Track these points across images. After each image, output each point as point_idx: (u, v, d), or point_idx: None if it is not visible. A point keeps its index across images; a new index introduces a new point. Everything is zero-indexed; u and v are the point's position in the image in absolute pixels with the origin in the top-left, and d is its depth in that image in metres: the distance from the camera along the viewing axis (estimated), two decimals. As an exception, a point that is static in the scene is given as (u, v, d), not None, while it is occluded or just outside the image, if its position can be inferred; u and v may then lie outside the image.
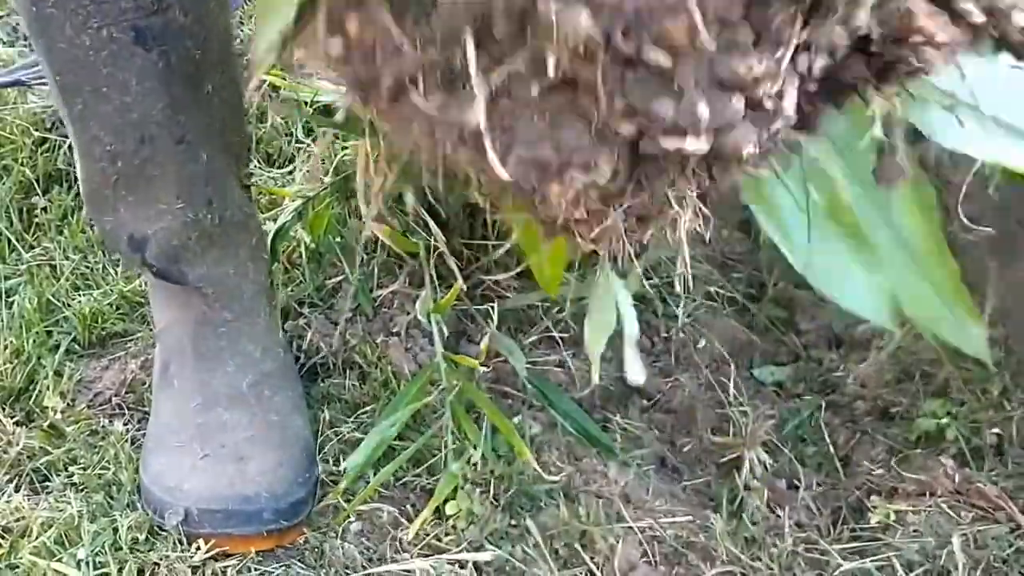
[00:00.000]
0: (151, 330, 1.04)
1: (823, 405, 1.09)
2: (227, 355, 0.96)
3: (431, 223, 1.04)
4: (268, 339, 0.99)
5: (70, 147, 1.28)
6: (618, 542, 0.90)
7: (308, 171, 1.19)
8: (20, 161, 1.29)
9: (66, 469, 0.96)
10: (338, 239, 1.15)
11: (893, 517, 0.93)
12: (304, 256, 1.16)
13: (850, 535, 0.94)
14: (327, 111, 1.28)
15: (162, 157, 0.88)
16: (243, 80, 0.95)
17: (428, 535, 0.91)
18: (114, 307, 1.13)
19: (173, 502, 0.89)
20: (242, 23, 1.43)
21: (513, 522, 0.92)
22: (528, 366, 1.05)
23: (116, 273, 1.17)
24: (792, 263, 0.62)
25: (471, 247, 1.13)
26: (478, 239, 1.14)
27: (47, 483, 0.95)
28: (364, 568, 0.89)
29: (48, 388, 1.03)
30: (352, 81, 0.51)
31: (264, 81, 1.31)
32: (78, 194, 1.26)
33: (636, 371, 0.59)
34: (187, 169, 0.90)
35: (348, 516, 0.93)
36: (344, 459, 0.95)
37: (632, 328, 0.62)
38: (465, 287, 1.09)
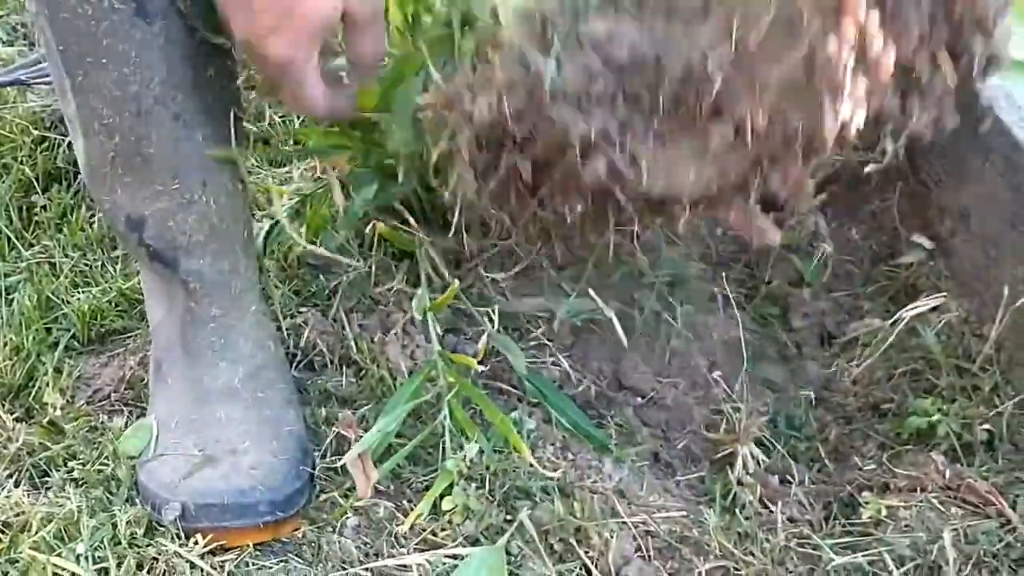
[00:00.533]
0: (149, 327, 1.04)
1: (815, 401, 1.11)
2: (218, 351, 0.97)
3: (413, 222, 1.05)
4: (258, 334, 1.00)
5: (69, 145, 1.29)
6: (612, 537, 0.91)
7: (305, 169, 1.19)
8: (20, 160, 1.29)
9: (65, 465, 0.96)
10: (335, 236, 1.16)
11: (885, 512, 0.94)
12: (301, 253, 1.16)
13: (842, 530, 0.95)
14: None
15: (158, 134, 0.89)
16: (238, 75, 0.96)
17: (425, 530, 0.92)
18: (113, 304, 1.14)
19: (170, 497, 0.90)
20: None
21: (509, 517, 0.93)
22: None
23: (115, 270, 1.17)
24: None
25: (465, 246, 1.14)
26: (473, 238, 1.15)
27: (46, 479, 0.96)
28: (361, 563, 0.90)
29: (48, 385, 1.04)
30: None
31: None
32: (77, 192, 1.27)
33: None
34: (182, 148, 0.91)
35: (345, 512, 0.93)
36: (341, 455, 0.96)
37: None
38: (461, 285, 1.10)
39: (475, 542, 0.91)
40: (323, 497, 0.95)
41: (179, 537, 0.89)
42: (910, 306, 1.07)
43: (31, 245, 1.22)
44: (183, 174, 0.92)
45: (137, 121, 0.88)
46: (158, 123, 0.89)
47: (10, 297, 1.15)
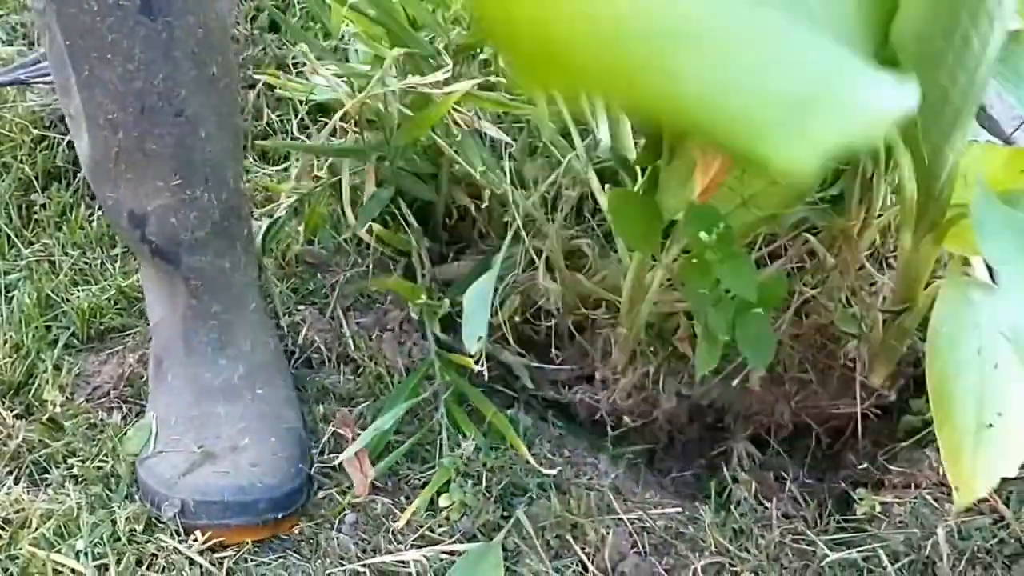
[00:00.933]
0: (148, 325, 1.05)
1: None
2: (218, 348, 0.98)
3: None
4: (258, 331, 1.00)
5: (69, 144, 1.29)
6: (608, 533, 0.91)
7: (303, 168, 1.19)
8: (19, 158, 1.30)
9: (65, 461, 0.97)
10: (333, 235, 1.16)
11: (879, 508, 0.94)
12: (299, 252, 1.17)
13: (836, 526, 0.95)
14: (322, 109, 1.30)
15: (161, 129, 0.90)
16: (238, 75, 0.97)
17: (422, 527, 0.92)
18: (112, 302, 1.14)
19: (169, 494, 0.90)
20: (238, 23, 1.44)
21: (505, 514, 0.93)
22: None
23: (114, 268, 1.18)
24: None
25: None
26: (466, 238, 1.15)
27: (46, 475, 0.96)
28: (359, 559, 0.90)
29: (47, 382, 1.05)
30: None
31: (260, 80, 1.33)
32: (77, 190, 1.28)
33: None
34: (185, 144, 0.91)
35: (343, 508, 0.94)
36: (339, 452, 0.96)
37: None
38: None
39: (472, 538, 0.91)
40: (321, 494, 0.95)
41: (178, 533, 0.89)
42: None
43: (31, 243, 1.22)
44: (185, 171, 0.92)
45: (140, 117, 0.89)
46: (161, 120, 0.89)
47: (10, 295, 1.15)
